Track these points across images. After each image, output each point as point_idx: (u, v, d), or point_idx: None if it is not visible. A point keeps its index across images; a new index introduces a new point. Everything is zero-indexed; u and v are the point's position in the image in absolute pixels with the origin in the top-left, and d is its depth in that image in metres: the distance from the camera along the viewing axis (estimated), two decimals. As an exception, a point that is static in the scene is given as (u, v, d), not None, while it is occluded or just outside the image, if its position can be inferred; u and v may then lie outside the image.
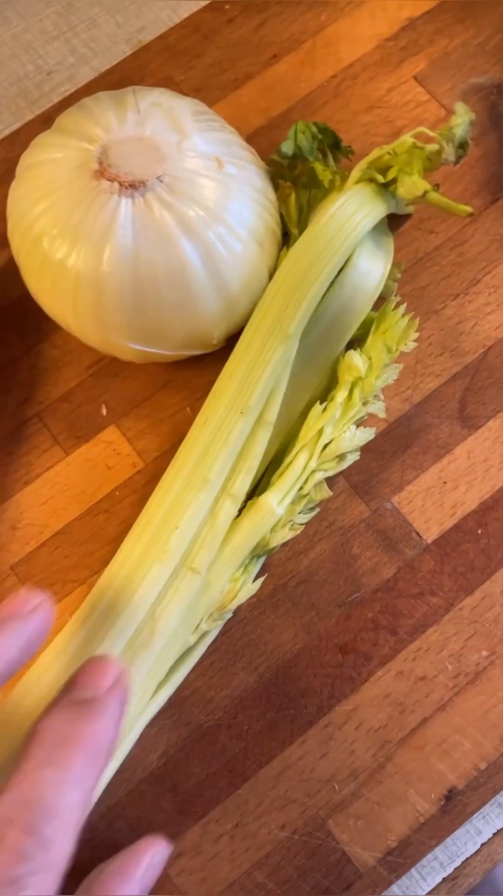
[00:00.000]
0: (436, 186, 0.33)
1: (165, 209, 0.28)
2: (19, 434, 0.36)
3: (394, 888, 0.31)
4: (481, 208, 0.38)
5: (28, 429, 0.36)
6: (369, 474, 0.34)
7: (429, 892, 0.31)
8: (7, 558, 0.34)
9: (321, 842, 0.30)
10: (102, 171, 0.28)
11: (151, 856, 0.27)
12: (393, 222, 0.37)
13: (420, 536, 0.34)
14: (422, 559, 0.33)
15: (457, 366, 0.35)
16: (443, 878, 0.31)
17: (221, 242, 0.29)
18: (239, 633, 0.33)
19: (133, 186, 0.28)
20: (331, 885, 0.30)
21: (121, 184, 0.28)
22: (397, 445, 0.35)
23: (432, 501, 0.34)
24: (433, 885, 0.31)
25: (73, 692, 0.24)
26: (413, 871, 0.31)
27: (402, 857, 0.30)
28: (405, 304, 0.34)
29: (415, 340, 0.34)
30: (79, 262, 0.29)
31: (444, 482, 0.34)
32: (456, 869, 0.31)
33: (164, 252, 0.29)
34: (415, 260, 0.37)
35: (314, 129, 0.36)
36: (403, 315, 0.34)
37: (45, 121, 0.40)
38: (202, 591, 0.30)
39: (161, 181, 0.29)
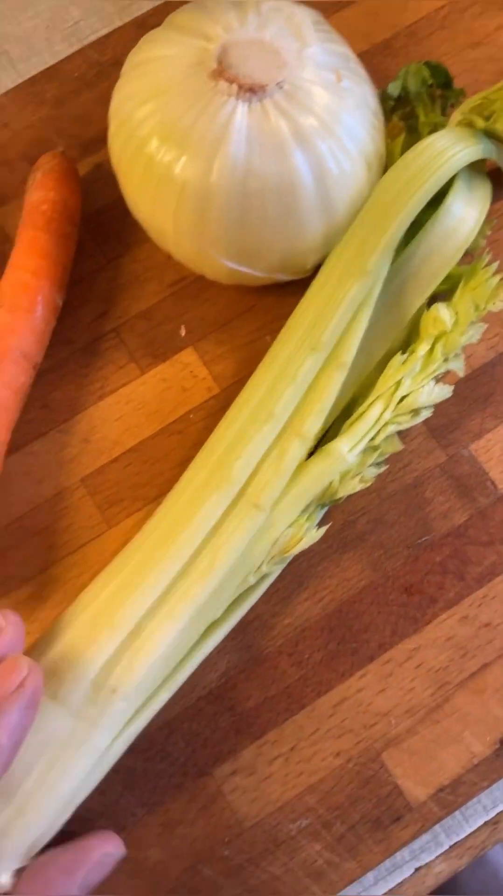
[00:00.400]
0: None
1: (282, 117, 0.27)
2: (95, 347, 0.35)
3: (438, 828, 0.31)
4: None
5: (104, 343, 0.35)
6: (448, 419, 0.34)
7: (470, 834, 0.31)
8: (78, 470, 0.34)
9: (374, 773, 0.31)
10: (221, 71, 0.27)
11: (101, 855, 0.26)
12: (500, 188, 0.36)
13: (495, 485, 0.33)
14: (496, 508, 0.33)
15: (549, 317, 0.35)
16: (485, 822, 0.32)
17: (333, 157, 0.28)
18: (305, 563, 0.33)
19: (252, 90, 0.27)
20: (382, 816, 0.30)
21: (240, 86, 0.27)
22: (480, 392, 0.34)
23: (511, 451, 0.33)
24: (474, 826, 0.32)
25: None
26: (457, 811, 0.31)
27: (454, 795, 0.30)
28: (497, 263, 0.33)
29: None
30: (187, 168, 0.28)
31: (525, 433, 0.34)
32: (498, 814, 0.32)
33: (277, 164, 0.28)
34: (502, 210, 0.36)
35: (426, 73, 0.34)
36: (495, 273, 0.32)
37: (140, 26, 0.39)
38: (265, 531, 0.30)
39: (280, 87, 0.27)
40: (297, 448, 0.30)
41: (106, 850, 0.27)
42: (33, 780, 0.27)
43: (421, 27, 0.39)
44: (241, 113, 0.27)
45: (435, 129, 0.32)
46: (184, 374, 0.35)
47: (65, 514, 0.33)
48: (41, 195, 0.33)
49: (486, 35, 0.39)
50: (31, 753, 0.27)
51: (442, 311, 0.31)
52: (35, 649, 0.29)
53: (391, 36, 0.38)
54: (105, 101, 0.37)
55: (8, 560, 0.33)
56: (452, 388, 0.33)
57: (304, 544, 0.31)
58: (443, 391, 0.32)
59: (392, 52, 0.38)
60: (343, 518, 0.33)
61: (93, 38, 0.40)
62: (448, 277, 0.33)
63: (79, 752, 0.27)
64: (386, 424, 0.31)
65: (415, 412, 0.32)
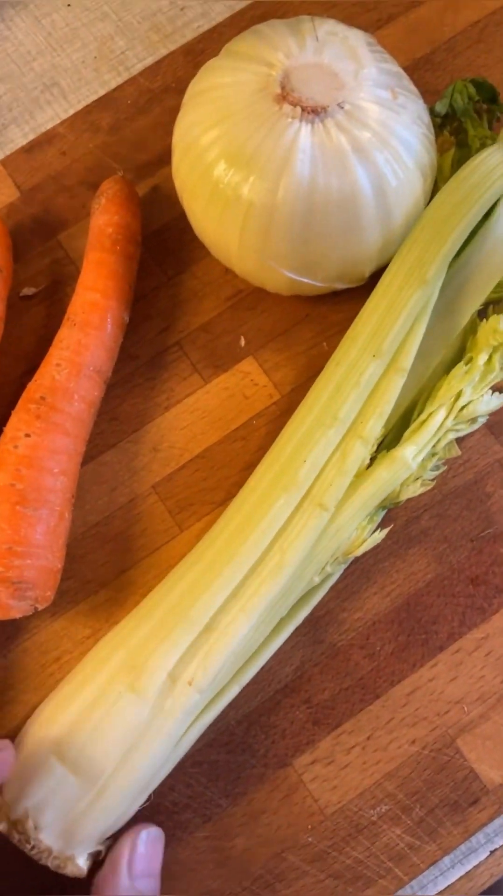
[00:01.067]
0: None
1: (343, 134, 0.29)
2: (160, 360, 0.37)
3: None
4: None
5: (168, 356, 0.37)
6: (504, 416, 0.35)
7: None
8: (149, 478, 0.35)
9: (450, 758, 0.32)
10: (285, 95, 0.29)
11: (137, 842, 0.28)
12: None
13: (552, 478, 0.34)
14: None
15: None
16: None
17: (390, 169, 0.30)
18: (372, 559, 0.34)
19: (315, 112, 0.29)
20: (459, 800, 0.31)
21: (303, 108, 0.29)
22: (533, 389, 0.35)
23: None
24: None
25: None
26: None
27: (528, 778, 0.32)
28: None
29: None
30: (255, 189, 0.29)
31: None
32: None
33: (340, 179, 0.29)
34: None
35: (471, 89, 0.35)
36: None
37: (187, 53, 0.41)
38: (331, 534, 0.31)
39: (341, 108, 0.29)
40: (359, 450, 0.31)
41: (142, 834, 0.29)
42: (113, 766, 0.28)
43: (459, 41, 0.40)
44: (304, 133, 0.29)
45: (483, 142, 0.33)
46: (245, 383, 0.36)
47: (138, 519, 0.35)
48: (106, 219, 0.35)
49: (520, 45, 0.40)
50: (111, 741, 0.28)
51: (501, 323, 0.32)
52: (112, 640, 0.30)
53: (431, 51, 0.40)
54: (158, 125, 0.40)
55: (86, 565, 0.34)
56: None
57: (367, 546, 0.32)
58: (500, 399, 0.33)
59: (432, 66, 0.40)
60: (406, 515, 0.34)
61: (139, 66, 0.42)
62: (500, 285, 0.34)
63: (155, 741, 0.29)
64: (447, 432, 0.32)
65: (474, 419, 0.33)
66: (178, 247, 0.38)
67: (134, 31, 0.43)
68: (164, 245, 0.38)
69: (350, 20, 0.41)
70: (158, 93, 0.40)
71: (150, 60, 0.42)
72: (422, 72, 0.39)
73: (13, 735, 0.32)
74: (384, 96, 0.30)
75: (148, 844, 0.29)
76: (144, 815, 0.31)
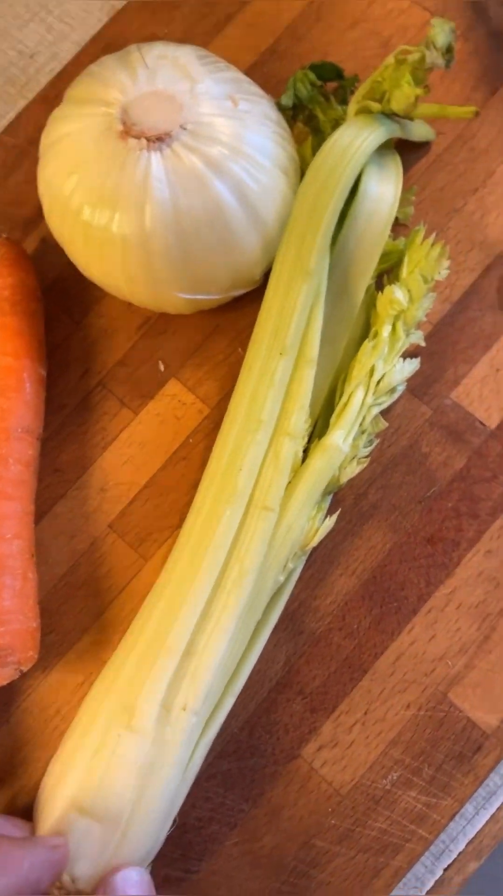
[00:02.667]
0: (426, 89, 0.33)
1: (193, 154, 0.30)
2: (87, 404, 0.37)
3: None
4: (483, 101, 0.39)
5: (94, 397, 0.38)
6: (424, 377, 0.36)
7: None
8: (103, 519, 0.36)
9: (445, 713, 0.33)
10: (128, 129, 0.29)
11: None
12: (415, 153, 0.38)
13: (483, 424, 0.35)
14: (489, 444, 0.35)
15: (489, 257, 0.37)
16: None
17: (249, 175, 0.30)
18: (330, 543, 0.35)
19: (160, 139, 0.29)
20: (463, 750, 0.33)
21: (148, 139, 0.29)
22: (446, 344, 0.36)
23: (489, 389, 0.36)
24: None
25: None
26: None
27: (522, 713, 0.33)
28: (434, 234, 0.35)
29: (447, 268, 0.34)
30: (123, 224, 0.30)
31: (497, 369, 0.36)
32: None
33: (201, 196, 0.30)
34: (427, 164, 0.38)
35: (311, 75, 0.36)
36: (433, 244, 0.34)
37: (43, 101, 0.41)
38: (284, 532, 0.32)
39: (184, 129, 0.30)
40: (289, 446, 0.32)
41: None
42: (130, 806, 0.29)
43: (299, 25, 0.41)
44: (155, 162, 0.30)
45: (336, 124, 0.34)
46: (173, 405, 0.37)
47: (102, 561, 0.36)
48: (0, 283, 0.36)
49: (361, 13, 0.41)
50: (122, 783, 0.29)
51: (396, 292, 0.33)
52: (100, 687, 0.31)
53: (274, 41, 0.41)
54: (31, 178, 0.40)
55: (63, 616, 0.35)
56: (419, 359, 0.35)
57: (321, 535, 0.33)
58: (412, 364, 0.34)
59: (279, 55, 0.40)
60: (353, 493, 0.35)
61: (3, 122, 0.42)
62: (388, 254, 0.35)
63: (164, 772, 0.30)
64: (370, 408, 0.33)
65: (392, 390, 0.34)
66: (78, 290, 0.39)
67: (-9, 89, 0.44)
68: (65, 292, 0.39)
69: (190, 31, 0.41)
70: (24, 146, 0.41)
71: (11, 115, 0.43)
72: (270, 64, 0.40)
73: (33, 792, 0.33)
74: (225, 106, 0.31)
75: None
76: (174, 837, 0.32)
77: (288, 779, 0.33)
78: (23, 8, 0.45)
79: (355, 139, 0.33)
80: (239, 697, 0.32)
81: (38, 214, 0.39)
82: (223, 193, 0.30)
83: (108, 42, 0.42)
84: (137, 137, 0.29)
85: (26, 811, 0.33)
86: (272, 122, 0.32)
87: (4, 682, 0.31)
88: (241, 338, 0.37)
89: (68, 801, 0.30)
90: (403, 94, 0.33)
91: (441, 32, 0.32)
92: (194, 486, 0.36)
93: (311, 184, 0.32)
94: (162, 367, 0.38)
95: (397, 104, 0.33)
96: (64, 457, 0.37)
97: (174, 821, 0.31)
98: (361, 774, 0.33)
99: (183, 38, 0.41)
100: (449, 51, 0.33)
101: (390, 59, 0.33)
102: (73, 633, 0.35)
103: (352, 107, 0.34)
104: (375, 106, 0.33)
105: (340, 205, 0.32)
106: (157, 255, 0.31)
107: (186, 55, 0.31)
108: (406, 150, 0.37)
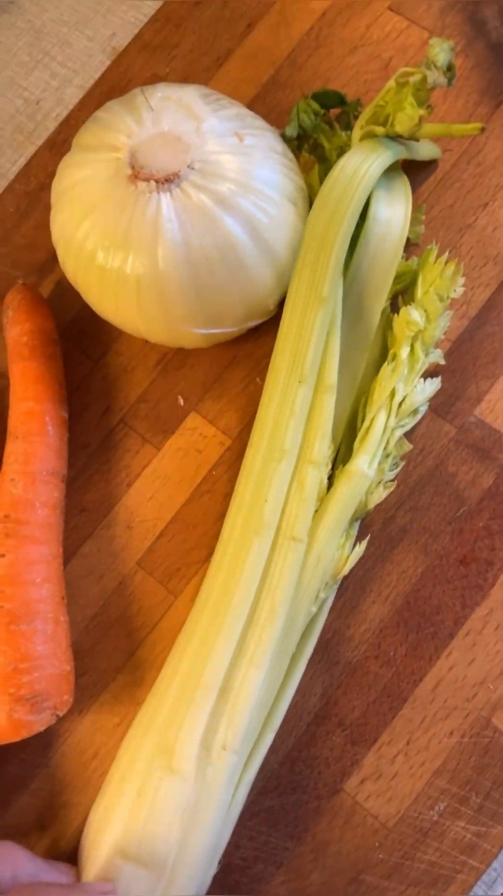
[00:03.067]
0: (429, 109, 0.33)
1: (202, 193, 0.30)
2: (109, 442, 0.38)
3: None
4: (488, 115, 0.38)
5: (116, 435, 0.38)
6: (446, 395, 0.36)
7: None
8: (131, 556, 0.36)
9: (490, 739, 0.32)
10: (136, 173, 0.30)
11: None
12: (422, 172, 0.38)
13: (509, 440, 0.35)
14: (517, 461, 0.35)
15: (503, 271, 0.36)
16: None
17: (258, 209, 0.31)
18: (361, 570, 0.34)
19: (169, 180, 0.30)
20: (510, 776, 0.32)
21: (157, 181, 0.30)
22: (466, 361, 0.36)
23: (512, 404, 0.35)
24: None
25: None
26: None
27: None
28: (447, 253, 0.35)
29: (462, 285, 0.34)
30: (136, 265, 0.30)
31: (519, 384, 0.35)
32: None
33: (211, 233, 0.30)
34: (435, 182, 0.38)
35: (314, 105, 0.36)
36: (446, 262, 0.34)
37: (51, 146, 0.42)
38: (314, 562, 0.32)
39: (192, 168, 0.30)
40: (314, 474, 0.32)
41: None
42: (175, 849, 0.29)
43: (298, 54, 0.41)
44: (165, 203, 0.30)
45: (342, 151, 0.34)
46: (195, 438, 0.37)
47: (133, 599, 0.36)
48: (19, 329, 0.36)
49: (360, 37, 0.41)
50: (166, 827, 0.29)
51: (412, 313, 0.33)
52: (137, 729, 0.31)
53: (275, 71, 0.41)
54: (44, 224, 0.41)
55: (96, 656, 0.35)
56: (439, 378, 0.35)
57: (352, 562, 0.33)
58: (434, 384, 0.34)
59: (281, 85, 0.40)
60: (381, 518, 0.35)
61: (14, 170, 0.43)
62: (401, 275, 0.35)
63: (207, 812, 0.29)
64: (393, 431, 0.33)
65: (415, 411, 0.34)
66: (95, 330, 0.39)
67: (0, 138, 0.45)
68: (82, 333, 0.39)
69: (191, 68, 0.42)
70: (35, 193, 0.41)
71: (21, 161, 0.44)
72: (273, 94, 0.40)
73: (77, 837, 0.33)
74: (231, 143, 0.31)
75: None
76: (219, 879, 0.31)
77: (332, 814, 0.32)
78: (26, 56, 0.46)
79: (362, 165, 0.33)
80: (278, 732, 0.32)
81: (51, 259, 0.40)
82: (233, 229, 0.30)
83: (113, 84, 0.43)
84: (146, 180, 0.30)
85: (70, 856, 0.33)
86: (278, 154, 0.32)
87: (42, 728, 0.31)
88: (259, 368, 0.37)
89: (113, 847, 0.29)
90: (407, 116, 0.33)
91: (441, 52, 0.32)
92: (220, 518, 0.36)
93: (321, 212, 0.32)
94: (181, 402, 0.38)
95: (401, 127, 0.33)
96: (89, 496, 0.37)
97: (219, 862, 0.31)
98: (407, 806, 0.32)
99: (185, 76, 0.42)
100: (450, 69, 0.33)
101: (391, 83, 0.33)
102: (106, 673, 0.35)
103: (357, 132, 0.34)
104: (380, 130, 0.33)
105: (351, 230, 0.32)
106: (171, 293, 0.31)
107: (189, 95, 0.32)
108: (413, 169, 0.37)
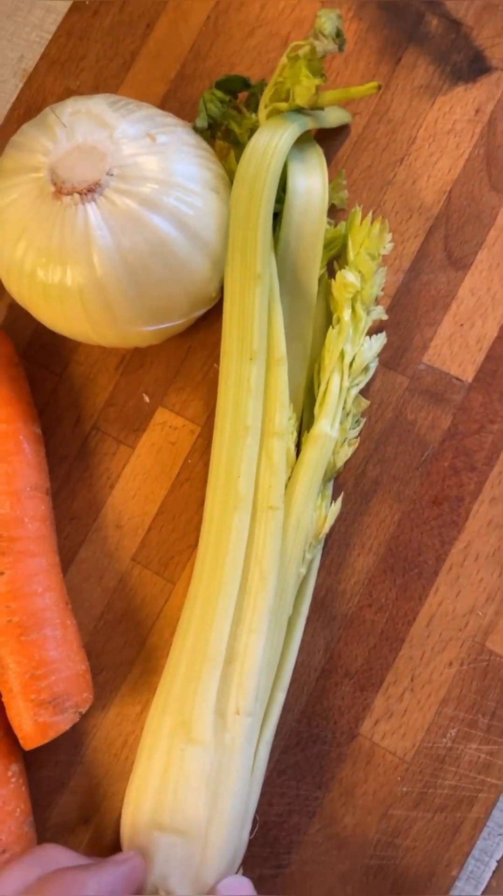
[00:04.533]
0: (323, 77, 0.34)
1: (126, 197, 0.31)
2: (86, 449, 0.39)
3: None
4: (388, 73, 0.40)
5: (91, 441, 0.39)
6: (394, 348, 0.37)
7: None
8: (125, 554, 0.38)
9: (487, 662, 0.34)
10: (59, 188, 0.31)
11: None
12: (337, 139, 0.39)
13: (460, 380, 0.36)
14: (471, 398, 0.36)
15: (429, 220, 0.38)
16: None
17: (182, 203, 0.32)
18: (342, 527, 0.36)
19: (91, 190, 0.31)
20: (511, 692, 0.34)
21: (80, 193, 0.31)
22: (407, 313, 0.37)
23: (458, 346, 0.36)
24: None
25: None
26: None
27: None
28: (371, 212, 0.36)
29: (390, 241, 0.36)
30: (76, 276, 0.32)
31: (461, 325, 0.37)
32: None
33: (142, 233, 0.31)
34: (351, 146, 0.39)
35: (219, 93, 0.37)
36: (372, 222, 0.35)
37: (-20, 177, 0.43)
38: (294, 526, 0.33)
39: (111, 175, 0.31)
40: (278, 444, 0.33)
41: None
42: (207, 813, 0.31)
43: (200, 44, 0.42)
44: (92, 212, 0.31)
45: (252, 132, 0.35)
46: (165, 432, 0.39)
47: (134, 593, 0.37)
48: (-22, 356, 0.37)
49: (255, 18, 0.42)
50: (195, 794, 0.31)
51: (347, 275, 0.34)
52: (155, 710, 0.33)
53: (181, 66, 0.42)
54: (-14, 251, 0.42)
55: (109, 652, 0.37)
56: (384, 333, 0.36)
57: (330, 521, 0.34)
58: (380, 339, 0.35)
59: (189, 79, 0.42)
60: (352, 474, 0.36)
61: None
62: (332, 241, 0.36)
63: (232, 776, 0.31)
64: (349, 390, 0.34)
65: (366, 368, 0.35)
66: (54, 344, 0.40)
67: None
68: (42, 349, 0.40)
69: (100, 76, 0.43)
70: (-28, 223, 0.42)
71: (-45, 195, 0.44)
72: (183, 88, 0.41)
73: (119, 825, 0.34)
74: (145, 144, 0.32)
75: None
76: (259, 837, 0.33)
77: (353, 758, 0.34)
78: None
79: (271, 140, 0.34)
80: (290, 691, 0.34)
81: (1, 284, 0.41)
82: (162, 226, 0.32)
83: (28, 106, 0.44)
84: (70, 194, 0.31)
85: (116, 843, 0.35)
86: (192, 146, 0.33)
87: (67, 727, 0.33)
88: (214, 354, 0.39)
89: (149, 821, 0.31)
90: (304, 88, 0.34)
91: (328, 21, 0.33)
92: (202, 503, 0.37)
93: (240, 192, 0.33)
94: (147, 399, 0.39)
95: (301, 98, 0.35)
96: (76, 504, 0.38)
97: (255, 821, 0.33)
98: (421, 738, 0.34)
99: (95, 85, 0.43)
100: (339, 35, 0.34)
101: (284, 59, 0.35)
102: (122, 667, 0.37)
103: (262, 112, 0.35)
104: (283, 105, 0.35)
105: (271, 205, 0.33)
106: (114, 297, 0.32)
107: (98, 105, 0.33)
108: (328, 137, 0.39)
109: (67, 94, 0.43)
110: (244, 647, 0.32)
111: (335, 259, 0.37)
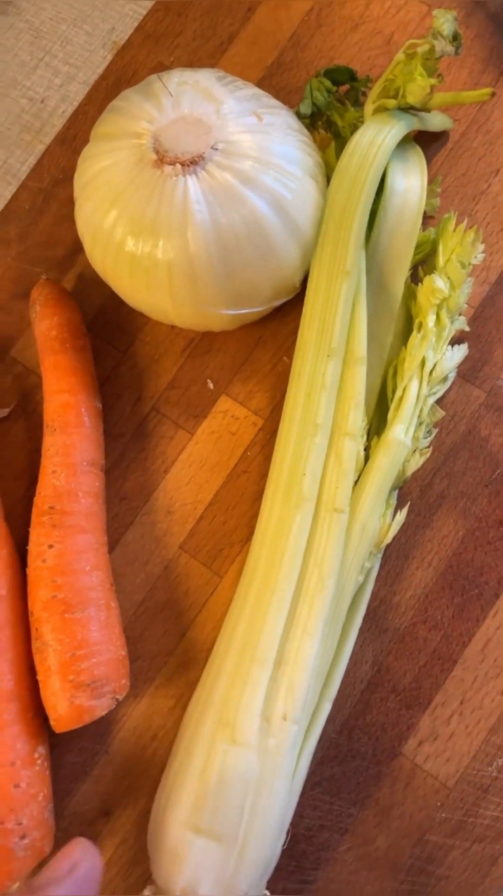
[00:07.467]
0: (440, 78, 0.34)
1: (227, 172, 0.30)
2: (144, 430, 0.38)
3: None
4: (491, 83, 0.39)
5: (150, 423, 0.38)
6: (473, 361, 0.36)
7: None
8: (173, 541, 0.37)
9: (543, 693, 0.33)
10: (161, 157, 0.30)
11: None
12: (433, 144, 0.38)
13: (538, 400, 0.35)
14: (548, 420, 0.35)
15: (521, 235, 0.37)
16: None
17: (281, 185, 0.31)
18: (403, 538, 0.35)
19: (194, 162, 0.30)
20: None
21: (182, 164, 0.30)
22: (490, 326, 0.36)
23: (540, 365, 0.36)
24: None
25: None
26: None
27: None
28: (465, 220, 0.35)
29: (482, 252, 0.35)
30: (168, 249, 0.31)
31: (545, 344, 0.36)
32: None
33: (239, 211, 0.30)
34: (447, 153, 0.38)
35: (327, 82, 0.36)
36: (466, 229, 0.34)
37: (61, 143, 0.42)
38: (358, 532, 0.32)
39: (215, 149, 0.30)
40: (350, 445, 0.32)
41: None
42: (245, 819, 0.29)
43: (301, 34, 0.41)
44: (192, 185, 0.30)
45: (355, 126, 0.34)
46: (227, 421, 0.38)
47: (179, 582, 0.36)
48: (47, 323, 0.36)
49: (360, 15, 0.41)
50: (235, 798, 0.29)
51: (436, 281, 0.33)
52: (196, 706, 0.32)
53: (279, 53, 0.41)
54: (61, 218, 0.41)
55: (147, 642, 0.36)
56: (466, 345, 0.35)
57: (394, 530, 0.33)
58: (461, 350, 0.34)
59: (285, 67, 0.41)
60: (419, 485, 0.35)
61: (24, 169, 0.43)
62: (420, 246, 0.35)
63: (273, 782, 0.30)
64: (426, 399, 0.33)
65: (445, 378, 0.34)
66: (120, 320, 0.39)
67: (7, 139, 0.45)
68: (108, 324, 0.39)
69: (195, 54, 0.42)
70: (49, 189, 0.42)
71: (32, 160, 0.44)
72: (278, 76, 0.41)
73: (141, 819, 0.33)
74: (250, 122, 0.31)
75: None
76: (287, 849, 0.32)
77: (392, 778, 0.33)
78: (27, 55, 0.46)
79: (376, 137, 0.33)
80: (333, 702, 0.32)
81: (72, 253, 0.40)
82: (259, 205, 0.31)
83: (118, 77, 0.43)
84: (172, 164, 0.30)
85: (136, 838, 0.33)
86: (295, 131, 0.33)
87: (103, 713, 0.31)
88: (286, 347, 0.38)
89: (183, 822, 0.30)
90: (418, 87, 0.34)
91: (445, 21, 0.33)
92: (257, 498, 0.36)
93: (339, 186, 0.33)
94: (211, 386, 0.38)
95: (413, 97, 0.34)
96: (128, 484, 0.37)
97: (287, 833, 0.31)
98: (466, 765, 0.33)
99: (189, 63, 0.42)
100: (456, 38, 0.33)
101: (401, 55, 0.34)
102: (158, 657, 0.35)
103: (369, 107, 0.35)
104: (391, 102, 0.34)
105: (370, 202, 0.32)
106: (202, 275, 0.31)
107: (206, 78, 0.32)
108: (425, 141, 0.38)
109: (160, 69, 0.42)
110: (296, 650, 0.31)
111: (420, 264, 0.36)
